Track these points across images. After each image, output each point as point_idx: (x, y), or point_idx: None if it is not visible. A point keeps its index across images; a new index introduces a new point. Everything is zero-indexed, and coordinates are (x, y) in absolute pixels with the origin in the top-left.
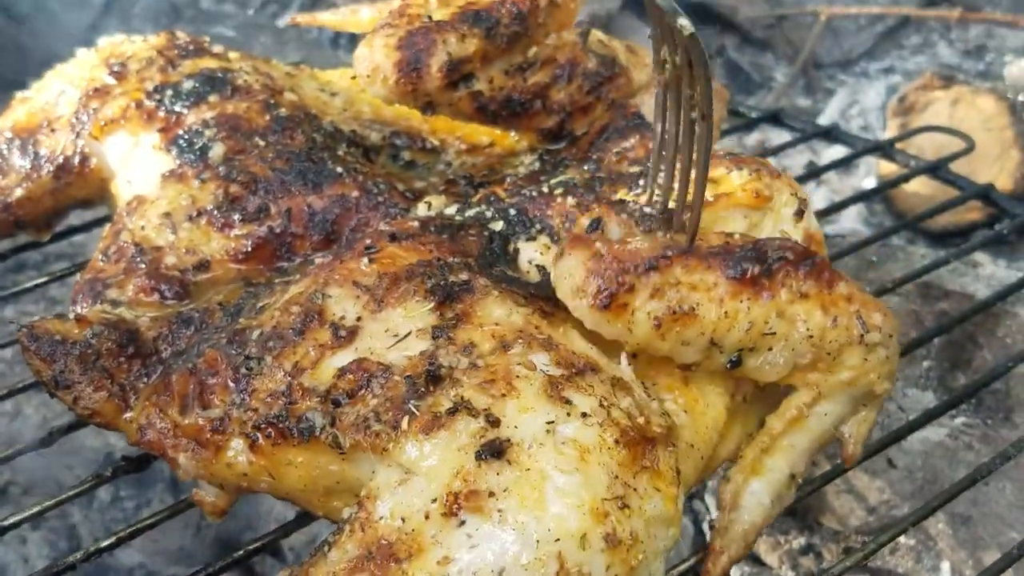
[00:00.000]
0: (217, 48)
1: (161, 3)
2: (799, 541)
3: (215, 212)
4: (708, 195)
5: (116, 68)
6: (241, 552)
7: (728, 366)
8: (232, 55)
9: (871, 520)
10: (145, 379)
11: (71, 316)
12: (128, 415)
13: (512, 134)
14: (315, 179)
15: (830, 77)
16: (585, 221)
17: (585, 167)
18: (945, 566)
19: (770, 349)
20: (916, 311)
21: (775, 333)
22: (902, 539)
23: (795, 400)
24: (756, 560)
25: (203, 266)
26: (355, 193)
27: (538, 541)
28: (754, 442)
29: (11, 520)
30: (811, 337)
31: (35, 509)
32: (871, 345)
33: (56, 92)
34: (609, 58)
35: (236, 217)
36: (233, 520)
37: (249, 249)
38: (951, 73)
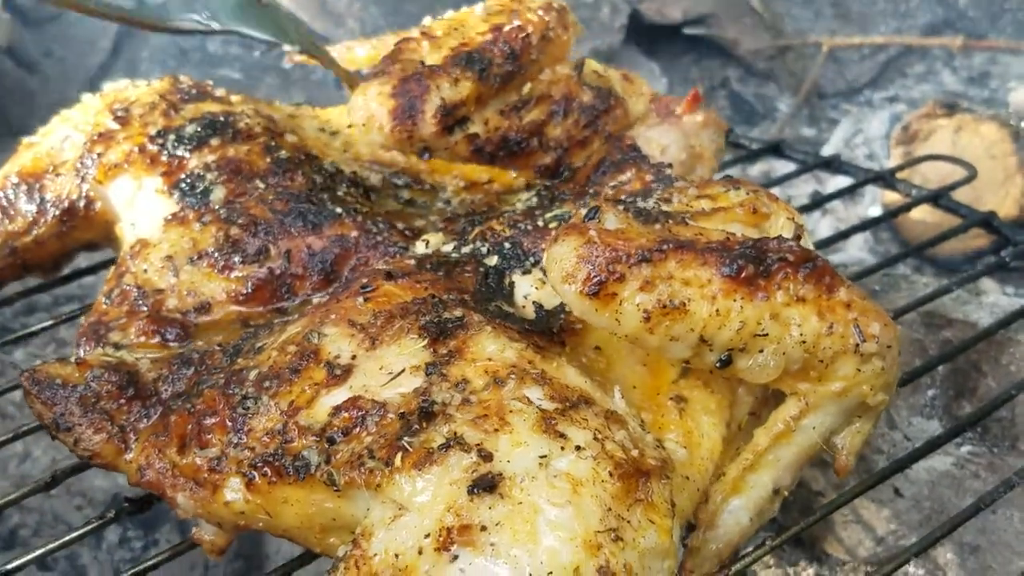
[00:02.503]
0: (220, 91)
1: (168, 47)
2: (808, 572)
3: (216, 254)
4: (706, 207)
5: (120, 113)
6: None
7: (717, 365)
8: (234, 98)
9: (879, 550)
10: (145, 420)
11: (73, 359)
12: (128, 456)
13: (510, 171)
14: (314, 220)
15: (833, 107)
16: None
17: (581, 201)
18: None
19: (761, 351)
20: (920, 340)
21: (767, 335)
22: (911, 569)
23: (782, 413)
24: None
25: (204, 308)
26: (354, 233)
27: (531, 574)
28: (738, 459)
29: (18, 562)
30: (804, 342)
31: (41, 550)
32: (866, 355)
33: (61, 137)
34: (605, 90)
35: (236, 259)
36: (241, 560)
37: (249, 290)
38: (954, 101)
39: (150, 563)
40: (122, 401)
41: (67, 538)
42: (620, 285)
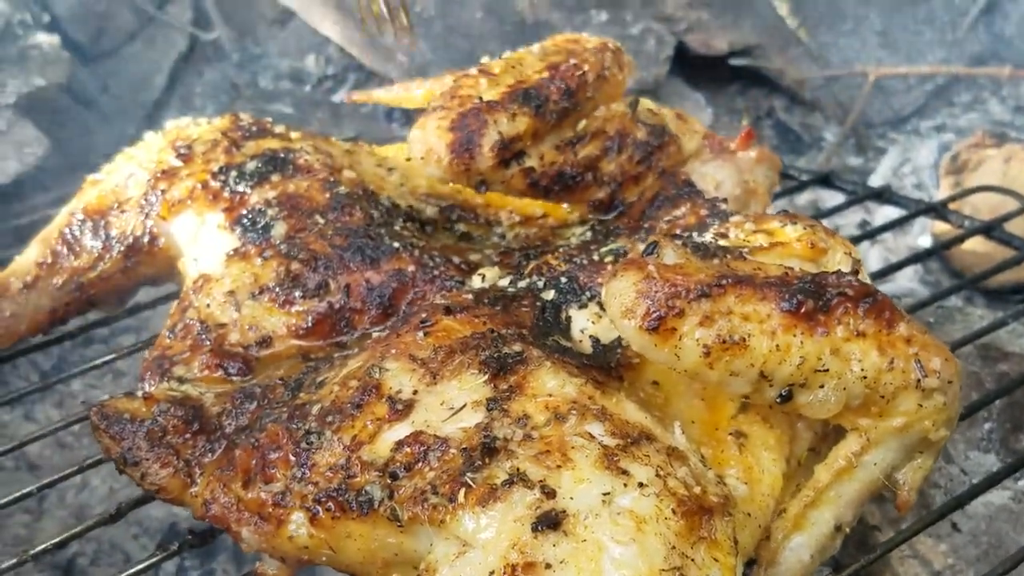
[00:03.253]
0: (279, 128)
1: (222, 82)
2: None
3: (276, 289)
4: (764, 242)
5: (183, 151)
6: None
7: (778, 400)
8: (294, 135)
9: None
10: (210, 454)
11: (139, 394)
12: (193, 490)
13: (564, 206)
14: (372, 255)
15: (881, 136)
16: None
17: (636, 236)
18: None
19: (822, 387)
20: (976, 372)
21: (828, 370)
22: None
23: (843, 449)
24: None
25: (265, 342)
26: (411, 267)
27: None
28: (799, 495)
29: None
30: (865, 378)
31: None
32: (928, 391)
33: (125, 175)
34: (659, 127)
35: (297, 294)
36: None
37: (309, 324)
38: (1003, 131)
39: None
40: (188, 435)
41: (131, 571)
42: (680, 320)
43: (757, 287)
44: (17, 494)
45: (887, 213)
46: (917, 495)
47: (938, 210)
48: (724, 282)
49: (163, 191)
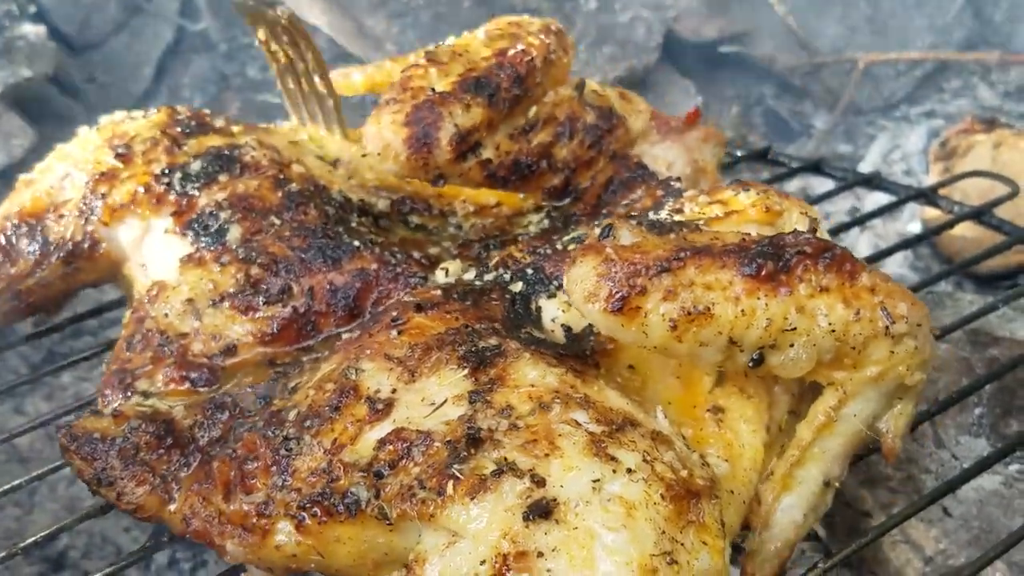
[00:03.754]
0: (219, 121)
1: (210, 73)
2: None
3: (238, 296)
4: (719, 212)
5: (121, 150)
6: None
7: (750, 364)
8: (235, 128)
9: (927, 571)
10: (185, 469)
11: (106, 411)
12: (172, 507)
13: (519, 194)
14: (333, 255)
15: (870, 123)
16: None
17: (595, 222)
18: None
19: (792, 345)
20: (966, 358)
21: (796, 329)
22: None
23: (822, 405)
24: None
25: (230, 351)
26: (374, 266)
27: None
28: (784, 456)
29: None
30: (833, 331)
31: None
32: (897, 336)
33: (60, 175)
34: (606, 109)
35: (259, 299)
36: None
37: (275, 330)
38: (992, 116)
39: None
40: (161, 451)
41: (122, 563)
42: (643, 298)
43: (716, 255)
44: (7, 486)
45: (877, 200)
46: (902, 442)
47: (928, 196)
48: (683, 255)
49: (103, 195)
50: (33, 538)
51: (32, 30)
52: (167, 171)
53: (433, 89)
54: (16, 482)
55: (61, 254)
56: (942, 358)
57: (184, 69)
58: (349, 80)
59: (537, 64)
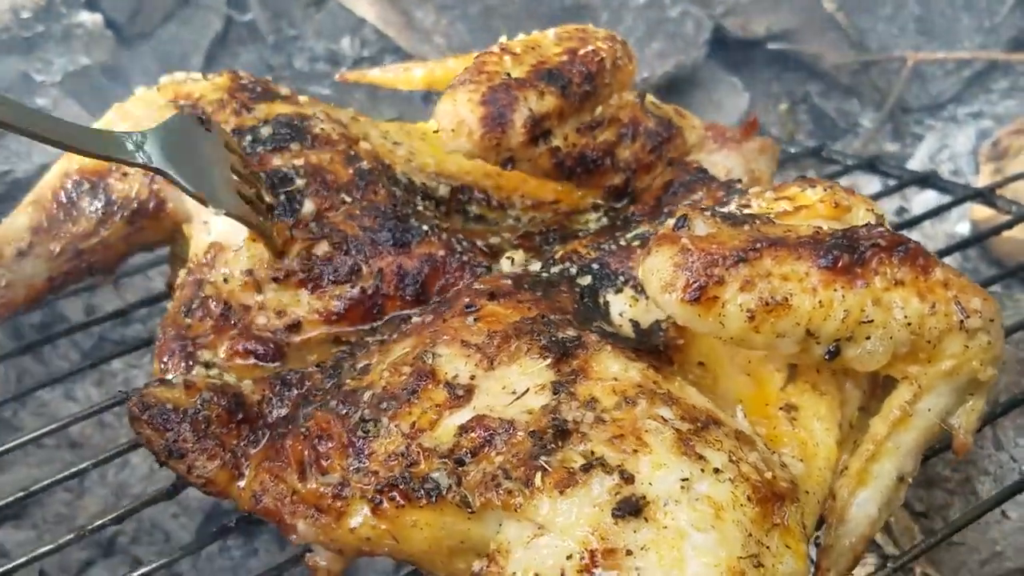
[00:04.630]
0: (284, 90)
1: (257, 64)
2: None
3: (305, 274)
4: (787, 207)
5: (187, 109)
6: None
7: (827, 357)
8: (302, 99)
9: (984, 572)
10: (254, 445)
11: (175, 381)
12: (241, 483)
13: (577, 191)
14: (403, 238)
15: (918, 122)
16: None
17: (657, 221)
18: None
19: (868, 338)
20: None
21: (872, 321)
22: None
23: (896, 399)
24: None
25: (295, 327)
26: (442, 252)
27: None
28: (858, 451)
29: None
30: (909, 324)
31: (152, 566)
32: (972, 331)
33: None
34: (666, 118)
35: (328, 278)
36: None
37: (342, 311)
38: None
39: None
40: (232, 425)
41: (177, 555)
42: (720, 288)
43: (792, 247)
44: (65, 473)
45: (925, 200)
46: (973, 437)
47: (985, 196)
48: (759, 245)
49: None
50: (99, 521)
51: (89, 18)
52: (236, 132)
53: (508, 74)
54: (76, 468)
55: (126, 213)
56: (1003, 360)
57: (232, 60)
58: (409, 74)
59: (606, 65)
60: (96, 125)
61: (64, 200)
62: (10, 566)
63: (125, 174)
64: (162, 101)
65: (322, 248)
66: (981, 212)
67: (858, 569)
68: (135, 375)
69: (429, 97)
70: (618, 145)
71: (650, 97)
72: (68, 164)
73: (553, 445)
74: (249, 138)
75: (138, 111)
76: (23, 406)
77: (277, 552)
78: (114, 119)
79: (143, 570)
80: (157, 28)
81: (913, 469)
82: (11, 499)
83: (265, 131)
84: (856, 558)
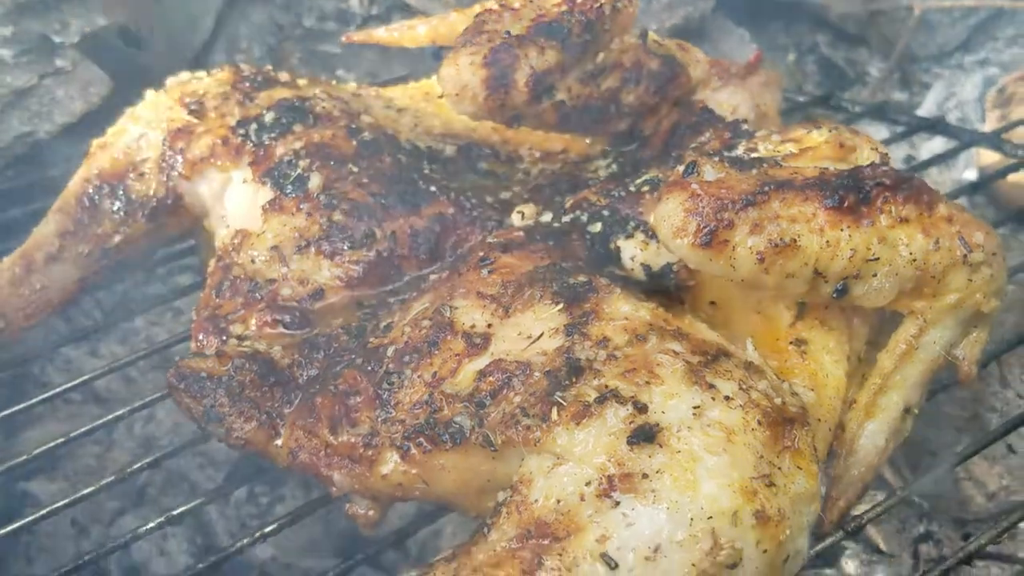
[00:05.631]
0: (283, 76)
1: (267, 24)
2: (918, 529)
3: (323, 241)
4: (793, 149)
5: (194, 107)
6: (372, 550)
7: (835, 295)
8: (301, 82)
9: (990, 506)
10: (288, 405)
11: (208, 352)
12: (278, 442)
13: (585, 139)
14: (412, 200)
15: (925, 71)
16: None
17: (666, 165)
18: None
19: (875, 275)
20: None
21: (879, 259)
22: (1023, 525)
23: (903, 334)
24: (876, 549)
25: (318, 294)
26: (451, 210)
27: (692, 519)
28: (866, 385)
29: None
30: (914, 260)
31: (181, 509)
32: (975, 264)
33: (136, 136)
34: (669, 57)
35: (344, 245)
36: None
37: (361, 274)
38: None
39: (281, 521)
40: (264, 389)
41: (201, 500)
42: (730, 231)
43: (799, 189)
44: (91, 425)
45: (932, 148)
46: (978, 368)
47: (992, 140)
48: (767, 189)
49: (182, 150)
50: (139, 464)
51: None
52: (242, 123)
53: (508, 32)
54: (105, 419)
55: (146, 211)
56: (1009, 299)
57: (241, 20)
58: (414, 32)
59: (605, 11)
60: (110, 130)
61: (87, 204)
62: (55, 506)
63: (142, 174)
64: (170, 101)
65: (336, 216)
66: (988, 158)
67: (866, 504)
68: (156, 332)
69: (438, 53)
70: (622, 90)
71: (652, 35)
72: (88, 170)
73: (568, 382)
74: (254, 126)
75: (148, 114)
76: (50, 362)
77: (303, 499)
78: (126, 124)
79: (173, 512)
80: None
81: (919, 401)
82: (43, 449)
83: (269, 117)
84: (864, 487)
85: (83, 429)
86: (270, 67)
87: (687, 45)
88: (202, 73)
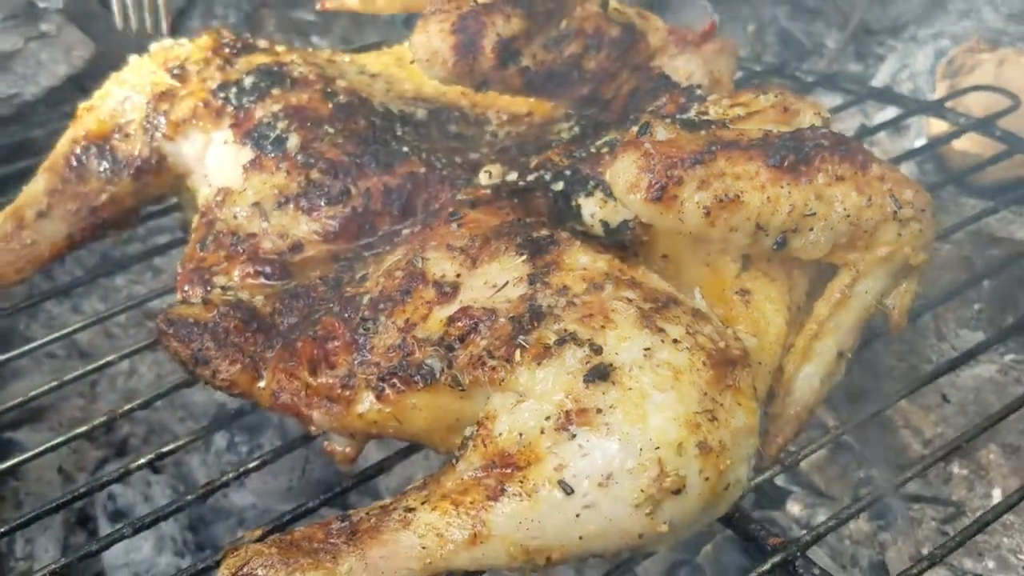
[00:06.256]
0: (262, 43)
1: None
2: (858, 474)
3: (301, 198)
4: (741, 112)
5: (176, 71)
6: (338, 489)
7: (774, 248)
8: (279, 48)
9: (925, 452)
10: (270, 350)
11: (194, 300)
12: (261, 383)
13: (549, 103)
14: (385, 160)
15: (880, 43)
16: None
17: (624, 128)
18: (996, 492)
19: (811, 229)
20: (968, 257)
21: (815, 214)
22: (956, 469)
23: (837, 283)
24: (819, 493)
25: (297, 247)
26: (422, 169)
27: (641, 449)
28: (803, 331)
29: (139, 462)
30: (848, 216)
31: (166, 448)
32: (904, 220)
33: (120, 99)
34: (629, 25)
35: (321, 201)
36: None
37: (337, 229)
38: (996, 37)
39: (257, 463)
40: (248, 334)
41: (183, 442)
42: (679, 187)
43: (743, 149)
44: (74, 374)
45: (885, 117)
46: (906, 318)
47: (936, 108)
48: (714, 148)
49: (165, 112)
50: (129, 405)
51: None
52: (222, 86)
53: (476, 1)
54: (88, 368)
55: (131, 170)
56: (945, 257)
57: None
58: (385, 1)
59: None
60: (97, 93)
61: (75, 164)
62: (41, 448)
63: (127, 136)
64: (154, 66)
65: (313, 174)
66: (937, 127)
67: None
68: (137, 289)
69: (409, 21)
70: (584, 56)
71: (613, 3)
72: (75, 131)
73: (530, 326)
74: (234, 90)
75: (132, 78)
76: (34, 319)
77: (279, 441)
78: (111, 87)
79: (163, 450)
80: None
81: (852, 346)
82: (27, 397)
83: (248, 81)
84: (800, 425)
85: (69, 376)
86: (248, 35)
87: (646, 13)
88: (184, 40)
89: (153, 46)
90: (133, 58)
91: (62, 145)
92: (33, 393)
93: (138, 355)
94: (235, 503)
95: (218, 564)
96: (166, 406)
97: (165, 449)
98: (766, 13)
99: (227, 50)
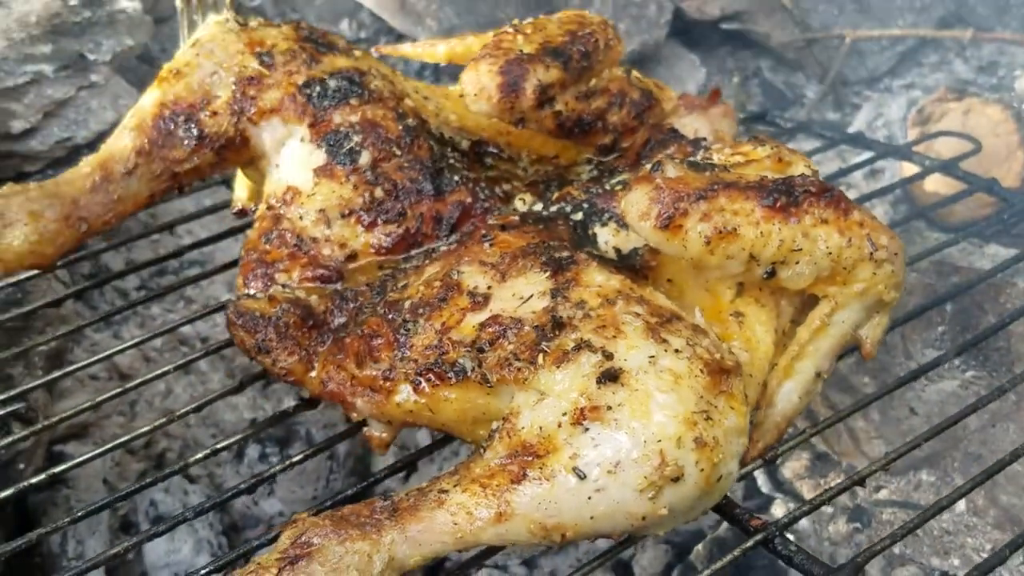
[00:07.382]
0: (340, 41)
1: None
2: (836, 480)
3: (363, 213)
4: (740, 159)
5: (265, 58)
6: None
7: (764, 276)
8: (357, 52)
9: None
10: (322, 345)
11: (258, 296)
12: (312, 374)
13: (574, 148)
14: (440, 188)
15: (856, 93)
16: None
17: (635, 172)
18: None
19: (797, 263)
20: (931, 284)
21: (801, 249)
22: (924, 476)
23: (818, 312)
24: (800, 498)
25: (352, 257)
26: (469, 199)
27: (645, 441)
28: (786, 352)
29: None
30: (830, 254)
31: (201, 455)
32: (879, 261)
33: (208, 71)
34: (647, 90)
35: (381, 219)
36: (356, 476)
37: (390, 245)
38: (964, 87)
39: (285, 464)
40: (304, 330)
41: (219, 445)
42: (684, 218)
43: (742, 189)
44: (113, 392)
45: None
46: (877, 347)
47: (904, 152)
48: (716, 187)
49: (253, 98)
50: (184, 409)
51: (129, 5)
52: (308, 84)
53: (521, 50)
54: (126, 387)
55: (215, 146)
56: (912, 284)
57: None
58: (434, 50)
59: (600, 45)
60: (181, 57)
61: (163, 128)
62: (99, 451)
63: (215, 113)
64: (240, 45)
65: (378, 192)
66: (910, 169)
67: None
68: (171, 318)
69: (422, 70)
70: (608, 111)
71: (635, 72)
72: (164, 95)
73: (551, 334)
74: (318, 89)
75: (219, 52)
76: (78, 344)
77: (318, 439)
78: (197, 58)
79: (199, 455)
80: (175, 13)
81: (828, 368)
82: (75, 411)
83: (331, 84)
84: (780, 433)
85: (108, 394)
86: (325, 29)
87: (662, 85)
88: (259, 19)
89: (226, 13)
90: (215, 24)
91: (151, 105)
92: (82, 407)
93: (173, 376)
94: (264, 510)
95: (272, 541)
96: (199, 423)
97: (198, 456)
98: (750, 65)
99: (311, 44)
